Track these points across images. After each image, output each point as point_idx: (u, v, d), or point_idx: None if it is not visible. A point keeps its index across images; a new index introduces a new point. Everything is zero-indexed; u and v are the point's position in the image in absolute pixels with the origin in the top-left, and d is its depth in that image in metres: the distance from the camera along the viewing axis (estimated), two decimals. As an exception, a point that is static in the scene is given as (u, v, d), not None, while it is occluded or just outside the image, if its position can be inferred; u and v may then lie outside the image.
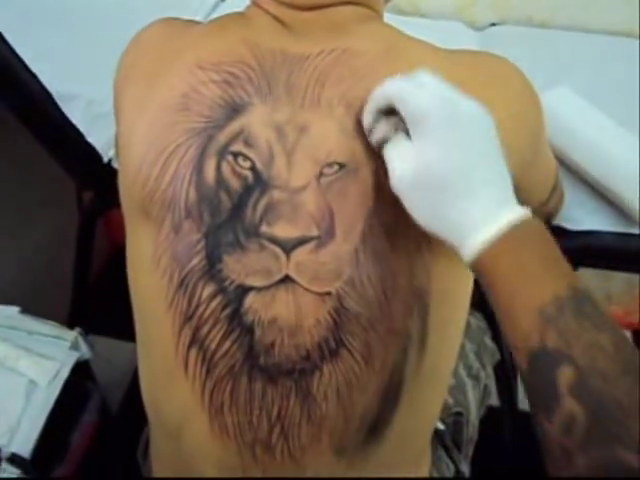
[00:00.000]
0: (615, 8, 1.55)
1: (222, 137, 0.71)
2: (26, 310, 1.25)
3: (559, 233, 1.10)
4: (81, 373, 1.26)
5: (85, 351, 1.23)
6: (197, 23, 0.84)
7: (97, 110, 1.19)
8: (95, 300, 1.74)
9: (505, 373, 1.42)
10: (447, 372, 0.81)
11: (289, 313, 0.69)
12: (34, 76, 1.09)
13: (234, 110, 0.71)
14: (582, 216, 1.11)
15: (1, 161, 1.56)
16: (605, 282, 1.99)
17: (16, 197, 1.65)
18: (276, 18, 0.76)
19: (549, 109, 1.07)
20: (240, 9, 0.83)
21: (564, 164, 1.13)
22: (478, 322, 1.22)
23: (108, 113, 1.10)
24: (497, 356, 1.26)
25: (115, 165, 1.20)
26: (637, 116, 1.24)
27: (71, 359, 1.19)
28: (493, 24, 1.63)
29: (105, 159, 1.21)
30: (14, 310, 1.24)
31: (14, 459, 1.06)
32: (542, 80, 1.30)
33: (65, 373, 1.17)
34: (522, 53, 1.43)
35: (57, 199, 1.71)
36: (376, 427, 0.73)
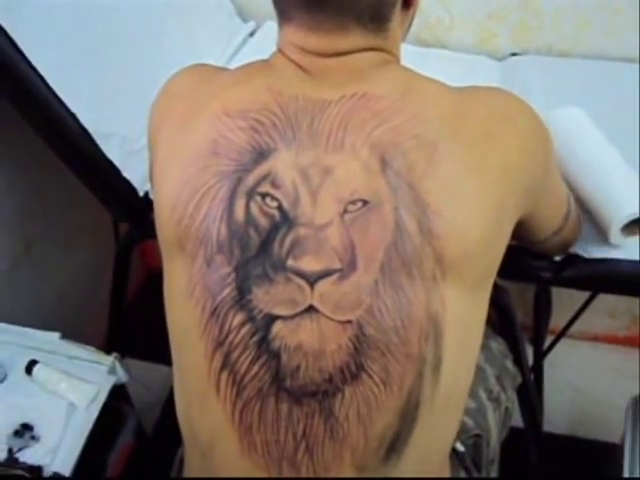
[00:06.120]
0: (635, 35, 1.54)
1: (250, 179, 0.75)
2: (65, 335, 1.29)
3: (577, 262, 1.11)
4: (118, 396, 1.28)
5: (122, 375, 1.26)
6: (224, 70, 0.89)
7: (131, 147, 1.23)
8: (130, 324, 1.76)
9: (528, 396, 1.42)
10: (463, 393, 0.83)
11: (313, 339, 0.73)
12: (73, 116, 1.13)
13: (260, 155, 0.75)
14: (599, 244, 1.12)
15: (42, 191, 1.61)
16: (630, 303, 1.97)
17: (55, 226, 1.70)
18: (298, 65, 0.80)
19: (556, 127, 1.04)
20: (267, 44, 0.87)
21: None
22: (499, 346, 1.23)
23: (142, 149, 1.15)
24: (518, 379, 1.27)
25: (152, 197, 1.24)
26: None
27: (109, 383, 1.22)
28: (514, 54, 1.64)
29: (141, 193, 1.24)
30: (55, 336, 1.26)
31: (55, 478, 1.09)
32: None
33: (103, 396, 1.20)
34: (543, 82, 1.47)
35: (95, 228, 1.76)
36: (395, 445, 0.76)
